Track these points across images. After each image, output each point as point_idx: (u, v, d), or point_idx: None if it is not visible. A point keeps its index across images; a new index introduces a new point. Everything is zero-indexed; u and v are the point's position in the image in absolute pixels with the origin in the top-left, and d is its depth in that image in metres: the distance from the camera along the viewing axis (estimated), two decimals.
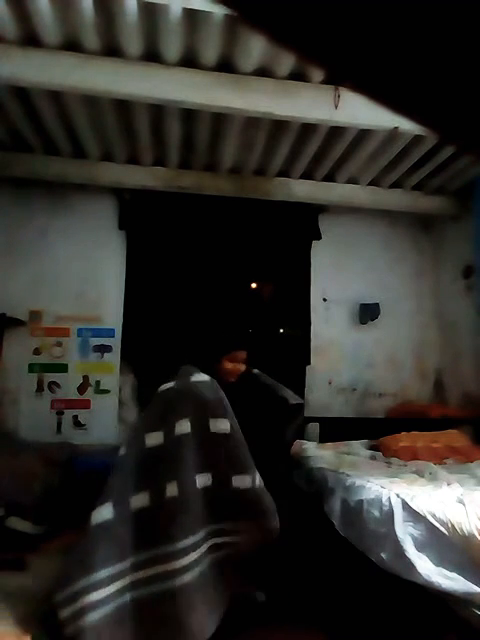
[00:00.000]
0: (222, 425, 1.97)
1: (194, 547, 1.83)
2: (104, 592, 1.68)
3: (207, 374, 2.18)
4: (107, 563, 1.72)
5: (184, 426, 1.95)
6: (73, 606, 1.65)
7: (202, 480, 1.92)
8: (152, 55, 2.61)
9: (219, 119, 3.14)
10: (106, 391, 3.92)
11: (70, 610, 1.65)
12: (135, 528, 1.80)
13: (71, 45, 2.54)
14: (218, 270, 4.10)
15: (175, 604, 1.73)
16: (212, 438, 1.95)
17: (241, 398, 2.45)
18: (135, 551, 1.78)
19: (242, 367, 2.48)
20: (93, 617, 1.64)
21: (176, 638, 1.72)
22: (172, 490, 1.85)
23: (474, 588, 1.88)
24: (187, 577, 1.77)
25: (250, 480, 1.94)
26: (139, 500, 1.84)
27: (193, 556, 1.81)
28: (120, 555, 1.75)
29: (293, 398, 2.51)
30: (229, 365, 2.44)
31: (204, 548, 1.88)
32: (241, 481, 1.93)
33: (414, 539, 2.03)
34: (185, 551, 1.80)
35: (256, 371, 2.57)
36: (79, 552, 1.76)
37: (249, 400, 2.46)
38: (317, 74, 2.69)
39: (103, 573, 1.70)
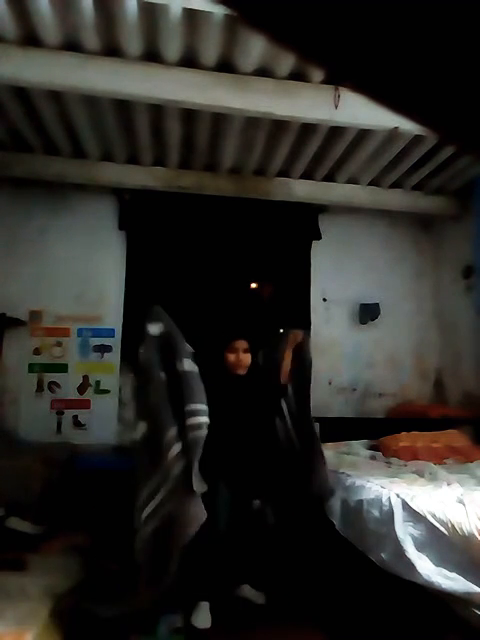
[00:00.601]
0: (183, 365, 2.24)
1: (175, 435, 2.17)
2: (160, 496, 2.10)
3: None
4: (151, 475, 2.13)
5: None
6: (148, 508, 2.10)
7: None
8: (152, 55, 2.61)
9: (219, 119, 3.14)
10: (106, 391, 3.92)
11: (147, 511, 2.10)
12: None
13: (71, 45, 2.54)
14: (218, 270, 4.10)
15: (177, 496, 2.06)
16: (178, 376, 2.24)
17: (254, 387, 2.45)
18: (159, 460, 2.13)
19: (248, 358, 2.46)
20: (165, 509, 2.07)
21: (181, 528, 2.02)
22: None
23: (474, 588, 1.88)
24: (176, 470, 2.09)
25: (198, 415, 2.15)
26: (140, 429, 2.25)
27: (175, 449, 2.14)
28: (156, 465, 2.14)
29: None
30: (232, 357, 2.43)
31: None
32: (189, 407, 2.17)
33: (414, 539, 2.03)
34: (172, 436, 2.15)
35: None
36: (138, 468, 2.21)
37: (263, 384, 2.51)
38: (317, 74, 2.69)
39: (155, 480, 2.12)
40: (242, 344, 2.46)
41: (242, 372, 2.46)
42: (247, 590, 2.47)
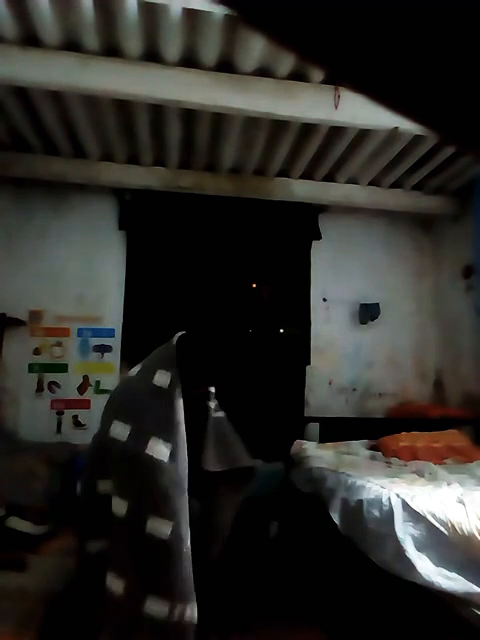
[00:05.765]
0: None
1: None
2: None
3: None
4: None
5: None
6: None
7: None
8: (152, 55, 2.61)
9: (219, 119, 3.14)
10: (106, 391, 3.91)
11: None
12: None
13: (71, 45, 2.54)
14: (218, 270, 4.10)
15: None
16: None
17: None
18: None
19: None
20: None
21: None
22: None
23: (474, 588, 1.88)
24: None
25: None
26: None
27: None
28: None
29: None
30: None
31: None
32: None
33: (414, 539, 2.03)
34: None
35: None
36: None
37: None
38: (317, 74, 2.69)
39: None
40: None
41: None
42: None
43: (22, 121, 3.22)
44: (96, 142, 3.49)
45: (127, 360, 3.98)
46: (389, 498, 2.16)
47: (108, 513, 1.59)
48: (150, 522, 1.52)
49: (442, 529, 1.99)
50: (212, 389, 2.02)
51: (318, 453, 3.21)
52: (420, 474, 2.68)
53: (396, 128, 2.92)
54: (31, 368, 3.83)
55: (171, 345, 1.81)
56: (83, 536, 1.72)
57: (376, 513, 2.18)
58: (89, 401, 3.88)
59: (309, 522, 2.81)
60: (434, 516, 2.03)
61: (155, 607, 1.47)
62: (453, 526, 1.98)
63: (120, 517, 1.56)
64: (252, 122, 3.13)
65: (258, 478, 2.05)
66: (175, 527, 1.52)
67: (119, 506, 1.57)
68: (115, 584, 1.52)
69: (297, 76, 2.75)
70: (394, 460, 3.09)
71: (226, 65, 2.67)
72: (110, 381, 3.93)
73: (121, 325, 3.99)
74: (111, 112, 3.09)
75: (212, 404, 1.98)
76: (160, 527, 1.51)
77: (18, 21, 2.39)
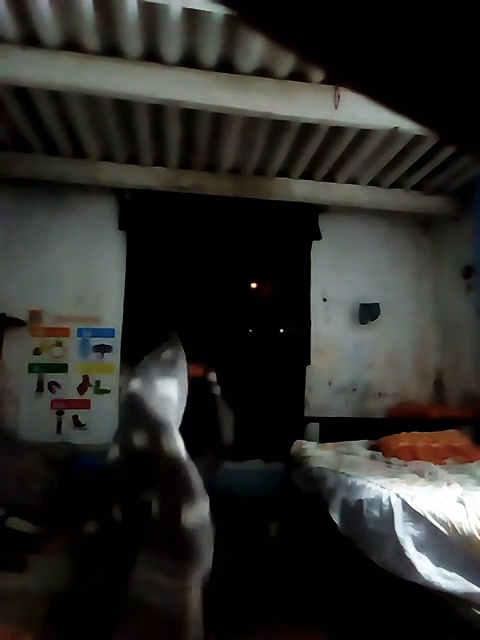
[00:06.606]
0: None
1: None
2: None
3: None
4: None
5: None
6: None
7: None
8: (152, 55, 2.61)
9: (219, 119, 3.14)
10: (106, 391, 3.92)
11: None
12: None
13: (71, 45, 2.54)
14: (218, 270, 4.10)
15: None
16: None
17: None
18: None
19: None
20: None
21: None
22: None
23: (474, 588, 1.88)
24: None
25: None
26: None
27: None
28: None
29: None
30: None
31: None
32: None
33: (414, 539, 2.03)
34: None
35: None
36: None
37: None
38: (317, 74, 2.69)
39: None
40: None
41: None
42: None
43: (22, 121, 3.22)
44: (96, 142, 3.49)
45: (127, 360, 3.98)
46: (389, 498, 2.16)
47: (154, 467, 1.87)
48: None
49: (442, 529, 1.99)
50: (213, 377, 2.17)
51: (318, 453, 3.21)
52: (420, 474, 2.67)
53: (396, 128, 2.92)
54: (31, 368, 3.84)
55: (174, 334, 2.16)
56: (136, 488, 1.94)
57: (376, 513, 2.18)
58: (89, 401, 3.88)
59: (309, 522, 2.82)
60: (434, 516, 2.03)
61: (191, 515, 1.73)
62: (453, 526, 1.98)
63: (176, 457, 1.83)
64: (252, 122, 3.13)
65: (258, 478, 2.13)
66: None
67: (176, 446, 1.85)
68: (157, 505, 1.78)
69: (297, 76, 2.75)
70: (394, 460, 3.09)
71: (226, 65, 2.67)
72: (110, 381, 3.94)
73: (121, 325, 3.99)
74: (111, 112, 3.09)
75: (217, 390, 2.12)
76: (198, 462, 1.85)
77: (18, 21, 2.39)
